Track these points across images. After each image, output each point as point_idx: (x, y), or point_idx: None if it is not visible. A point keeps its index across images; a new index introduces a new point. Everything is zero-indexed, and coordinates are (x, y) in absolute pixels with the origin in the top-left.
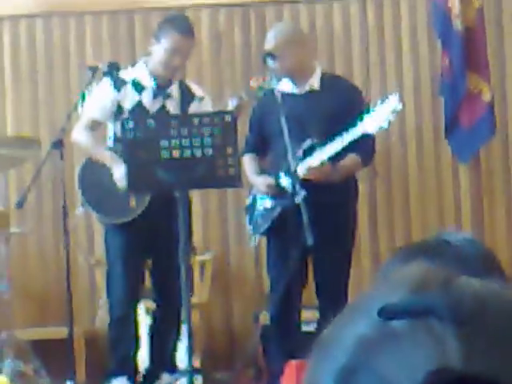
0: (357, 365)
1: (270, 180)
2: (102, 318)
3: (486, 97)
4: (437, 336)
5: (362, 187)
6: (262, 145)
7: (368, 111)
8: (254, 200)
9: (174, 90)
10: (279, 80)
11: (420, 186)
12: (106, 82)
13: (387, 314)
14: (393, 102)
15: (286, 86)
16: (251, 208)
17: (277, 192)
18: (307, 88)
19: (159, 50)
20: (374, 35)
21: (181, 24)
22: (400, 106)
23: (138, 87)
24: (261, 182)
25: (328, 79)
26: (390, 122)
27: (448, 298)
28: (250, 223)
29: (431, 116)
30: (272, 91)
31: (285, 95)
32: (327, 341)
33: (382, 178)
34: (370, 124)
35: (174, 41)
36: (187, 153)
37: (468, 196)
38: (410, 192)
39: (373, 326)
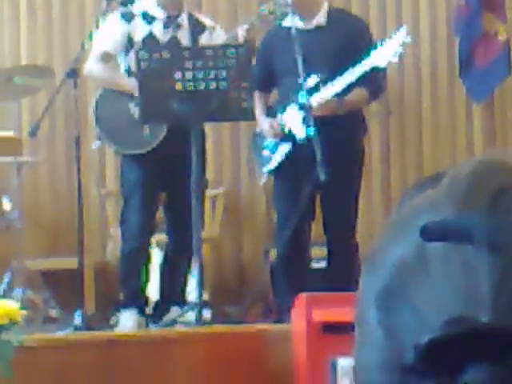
0: (395, 289)
1: (276, 123)
2: (113, 250)
3: (502, 37)
4: (469, 266)
5: (375, 125)
6: (267, 81)
7: (376, 46)
8: (261, 137)
9: (184, 20)
10: (286, 16)
11: (433, 125)
12: (115, 15)
13: (427, 234)
14: (401, 35)
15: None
16: (259, 145)
17: (281, 135)
18: (314, 24)
19: None
20: None
21: None
22: (408, 39)
23: (148, 18)
24: (267, 126)
25: (334, 15)
26: (399, 56)
27: (490, 220)
28: (259, 160)
29: (446, 55)
30: (279, 26)
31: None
32: (374, 255)
33: (396, 116)
34: (378, 57)
35: None
36: (201, 85)
37: (481, 136)
38: (423, 131)
39: (413, 247)
